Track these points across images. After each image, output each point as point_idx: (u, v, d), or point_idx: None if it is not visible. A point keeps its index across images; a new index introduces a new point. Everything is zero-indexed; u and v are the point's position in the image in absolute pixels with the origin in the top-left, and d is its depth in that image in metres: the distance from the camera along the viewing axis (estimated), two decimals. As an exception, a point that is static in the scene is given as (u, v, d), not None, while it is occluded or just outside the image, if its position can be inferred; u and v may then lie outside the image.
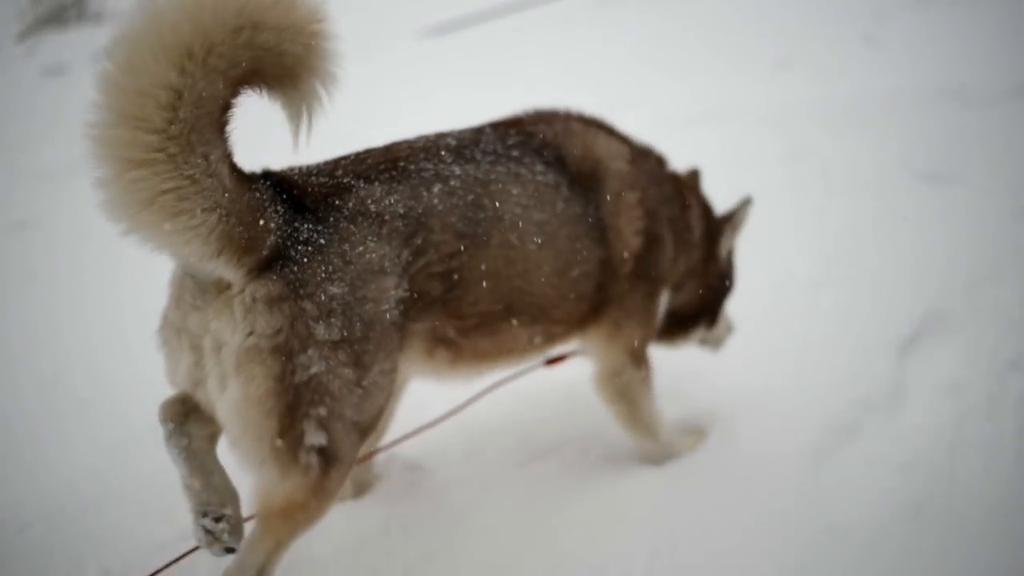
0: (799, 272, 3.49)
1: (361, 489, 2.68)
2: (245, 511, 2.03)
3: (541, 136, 2.41)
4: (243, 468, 1.95)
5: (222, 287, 1.88)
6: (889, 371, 2.99)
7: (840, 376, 2.95)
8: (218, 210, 1.75)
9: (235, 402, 1.88)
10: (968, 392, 2.88)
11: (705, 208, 2.84)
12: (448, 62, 6.13)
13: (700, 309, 2.87)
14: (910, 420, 2.82)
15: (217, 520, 2.00)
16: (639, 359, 2.63)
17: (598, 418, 2.69)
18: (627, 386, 2.62)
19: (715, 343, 3.02)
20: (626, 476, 2.64)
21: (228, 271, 1.83)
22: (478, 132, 2.34)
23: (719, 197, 2.89)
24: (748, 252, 3.08)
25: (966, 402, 2.84)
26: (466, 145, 2.24)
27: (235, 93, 1.75)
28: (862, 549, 2.35)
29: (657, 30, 6.10)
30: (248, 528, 2.04)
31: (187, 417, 2.01)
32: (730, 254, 2.91)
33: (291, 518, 1.98)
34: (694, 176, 2.88)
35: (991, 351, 3.05)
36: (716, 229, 2.84)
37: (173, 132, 1.65)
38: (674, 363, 2.92)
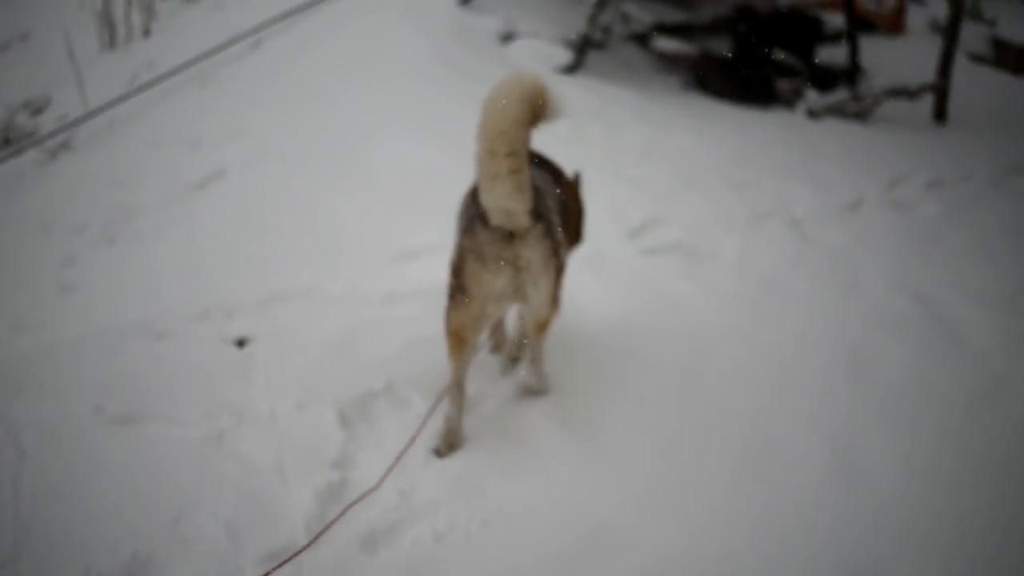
0: None
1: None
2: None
3: (537, 162, 3.91)
4: (535, 315, 3.77)
5: (512, 235, 3.43)
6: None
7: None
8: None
9: (544, 287, 3.57)
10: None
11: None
12: None
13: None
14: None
15: (451, 445, 3.86)
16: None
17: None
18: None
19: None
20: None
21: (525, 219, 3.40)
22: None
23: None
24: None
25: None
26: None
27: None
28: None
29: None
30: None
31: (461, 388, 3.87)
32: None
33: (551, 323, 3.89)
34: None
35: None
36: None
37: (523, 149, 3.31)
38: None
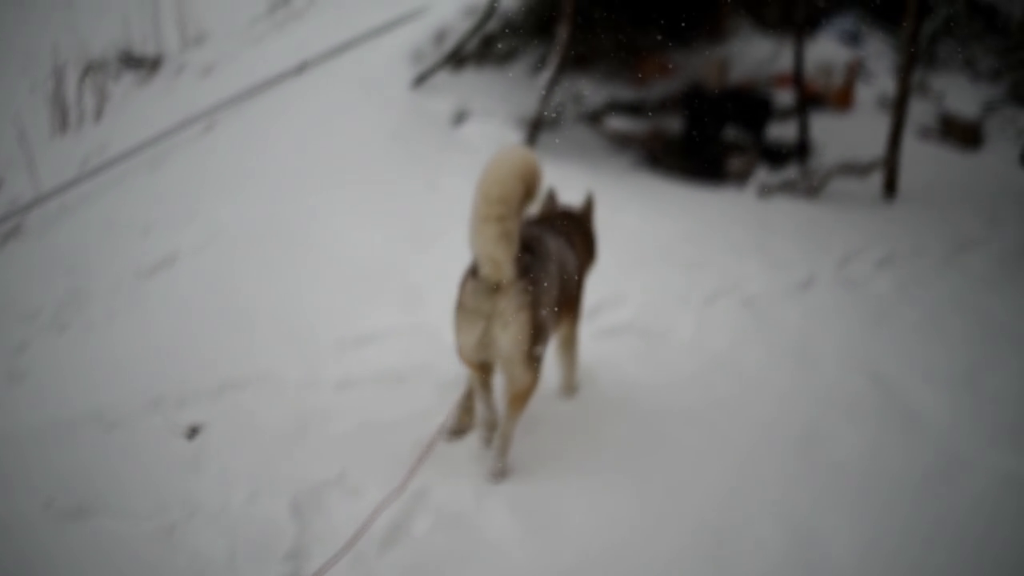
0: None
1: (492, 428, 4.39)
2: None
3: (547, 218, 4.59)
4: (508, 374, 3.95)
5: (495, 289, 3.74)
6: None
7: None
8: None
9: (513, 336, 3.78)
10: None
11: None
12: None
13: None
14: None
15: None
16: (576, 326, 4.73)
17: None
18: (573, 340, 4.77)
19: None
20: None
21: (509, 270, 3.69)
22: (532, 222, 4.38)
23: None
24: None
25: None
26: (538, 223, 4.38)
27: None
28: None
29: None
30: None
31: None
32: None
33: (527, 397, 4.06)
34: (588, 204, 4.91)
35: None
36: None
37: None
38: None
